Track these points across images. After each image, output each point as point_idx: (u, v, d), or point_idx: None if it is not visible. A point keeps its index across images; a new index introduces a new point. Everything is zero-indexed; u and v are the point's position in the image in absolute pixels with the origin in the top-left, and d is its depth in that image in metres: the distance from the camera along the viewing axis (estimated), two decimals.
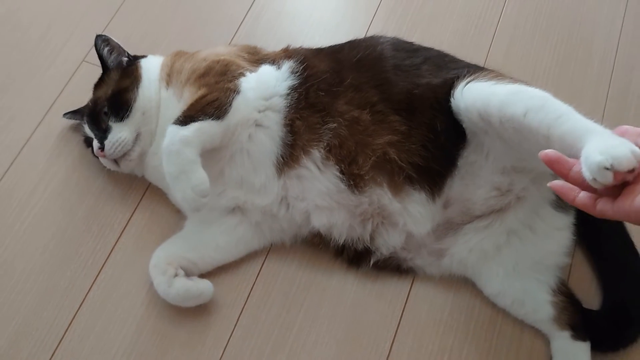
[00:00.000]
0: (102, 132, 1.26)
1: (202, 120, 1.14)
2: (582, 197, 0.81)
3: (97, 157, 1.30)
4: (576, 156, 0.84)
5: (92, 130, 1.29)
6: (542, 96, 1.04)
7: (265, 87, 1.23)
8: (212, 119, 1.15)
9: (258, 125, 1.21)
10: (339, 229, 1.22)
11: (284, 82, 1.23)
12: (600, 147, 0.79)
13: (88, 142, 1.33)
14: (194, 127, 1.13)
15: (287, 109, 1.21)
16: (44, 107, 1.48)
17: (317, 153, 1.19)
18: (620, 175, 0.76)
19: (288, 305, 1.26)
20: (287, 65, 1.25)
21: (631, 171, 0.77)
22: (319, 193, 1.20)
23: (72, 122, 1.44)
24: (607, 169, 0.76)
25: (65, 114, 1.41)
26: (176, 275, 1.20)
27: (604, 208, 0.78)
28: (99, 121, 1.28)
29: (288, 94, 1.22)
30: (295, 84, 1.22)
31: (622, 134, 0.83)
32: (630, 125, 0.84)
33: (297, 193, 1.21)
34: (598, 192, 0.80)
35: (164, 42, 1.56)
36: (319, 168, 1.19)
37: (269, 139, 1.21)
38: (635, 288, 1.21)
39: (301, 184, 1.20)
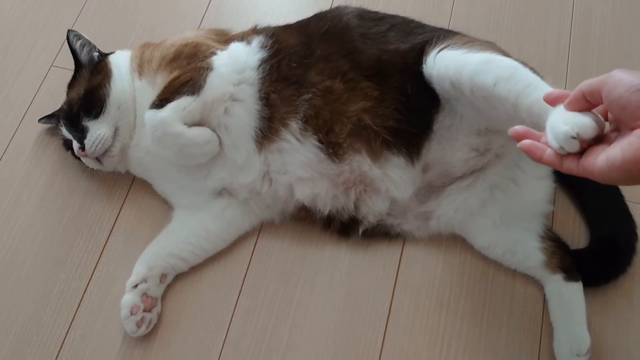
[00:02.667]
0: (81, 132, 1.26)
1: (178, 99, 1.16)
2: (549, 154, 0.83)
3: (79, 159, 1.30)
4: (543, 125, 0.87)
5: (70, 132, 1.29)
6: (512, 66, 1.06)
7: (237, 61, 1.24)
8: (187, 95, 1.16)
9: (234, 99, 1.22)
10: (323, 199, 1.24)
11: (255, 56, 1.24)
12: (565, 116, 0.81)
13: (67, 145, 1.33)
14: (170, 106, 1.15)
15: (261, 82, 1.22)
16: (17, 116, 1.47)
17: (294, 125, 1.20)
18: (586, 142, 0.79)
19: (285, 280, 1.28)
20: (257, 41, 1.27)
21: (595, 138, 0.80)
22: (300, 165, 1.21)
23: (47, 126, 1.44)
24: (574, 137, 0.79)
25: (40, 119, 1.41)
26: (137, 285, 1.21)
27: (570, 166, 0.81)
28: (76, 122, 1.27)
29: (260, 66, 1.23)
30: (266, 57, 1.24)
31: (554, 102, 0.86)
32: (563, 90, 0.87)
33: (278, 167, 1.23)
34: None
35: (131, 38, 1.57)
36: (298, 140, 1.20)
37: (245, 112, 1.22)
38: (620, 219, 1.25)
39: (282, 157, 1.22)
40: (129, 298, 1.20)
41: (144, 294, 1.21)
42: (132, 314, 1.19)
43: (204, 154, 1.20)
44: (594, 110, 0.82)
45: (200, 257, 1.29)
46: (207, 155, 1.21)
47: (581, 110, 0.81)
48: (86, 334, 1.24)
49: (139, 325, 1.19)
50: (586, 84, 0.80)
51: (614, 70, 0.77)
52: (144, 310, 1.20)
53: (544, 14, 1.58)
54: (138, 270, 1.22)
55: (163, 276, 1.24)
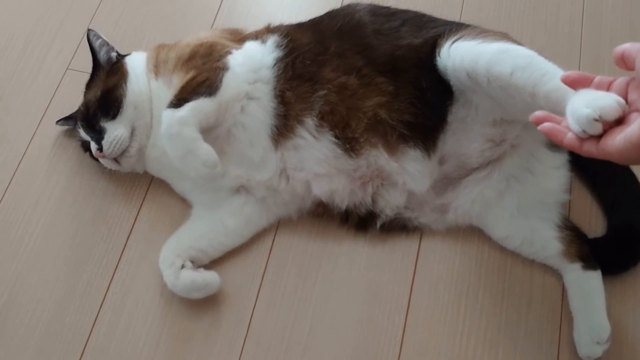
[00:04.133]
0: (98, 134, 1.28)
1: (195, 99, 1.16)
2: (569, 138, 0.84)
3: (97, 160, 1.32)
4: (561, 112, 0.87)
5: (87, 133, 1.31)
6: (528, 54, 1.06)
7: (252, 60, 1.25)
8: (205, 97, 1.17)
9: (249, 98, 1.23)
10: (340, 195, 1.25)
11: (270, 55, 1.26)
12: (585, 100, 0.82)
13: (85, 146, 1.34)
14: (188, 106, 1.16)
15: (276, 80, 1.23)
16: (35, 119, 1.49)
17: (310, 121, 1.21)
18: (608, 124, 0.80)
19: (304, 275, 1.28)
20: (272, 40, 1.28)
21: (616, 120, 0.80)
22: (316, 161, 1.22)
23: (65, 128, 1.45)
24: (596, 120, 0.79)
25: (58, 121, 1.42)
26: (183, 267, 1.22)
27: (590, 148, 0.82)
28: (93, 123, 1.29)
29: (275, 65, 1.24)
30: (281, 56, 1.25)
31: (573, 84, 0.86)
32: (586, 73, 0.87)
33: (295, 164, 1.24)
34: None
35: (145, 40, 1.58)
36: (314, 136, 1.21)
37: (261, 110, 1.23)
38: (637, 206, 1.25)
39: (298, 154, 1.23)
40: (188, 272, 1.22)
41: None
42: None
43: (196, 170, 1.16)
44: (612, 92, 0.82)
45: (219, 250, 1.30)
46: (197, 173, 1.16)
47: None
48: (110, 332, 1.25)
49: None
50: (627, 46, 0.80)
51: None
52: None
53: (556, 4, 1.58)
54: (172, 259, 1.23)
55: (191, 263, 1.25)
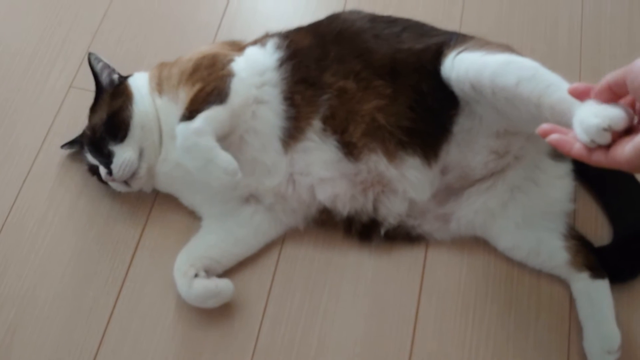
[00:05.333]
0: (106, 158, 1.27)
1: (207, 109, 1.16)
2: (578, 148, 0.84)
3: (105, 183, 1.31)
4: (567, 123, 0.88)
5: (95, 157, 1.30)
6: (532, 66, 1.06)
7: (255, 64, 1.26)
8: (216, 105, 1.17)
9: (259, 102, 1.24)
10: (342, 199, 1.25)
11: (272, 57, 1.26)
12: (593, 110, 0.82)
13: (93, 170, 1.33)
14: (201, 116, 1.15)
15: (283, 83, 1.24)
16: (39, 138, 1.49)
17: (318, 124, 1.22)
18: (617, 134, 0.80)
19: (311, 288, 1.28)
20: (271, 42, 1.29)
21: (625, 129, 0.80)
22: (323, 164, 1.23)
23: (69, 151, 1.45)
24: (605, 129, 0.79)
25: (63, 146, 1.42)
26: (196, 276, 1.23)
27: (599, 158, 0.82)
28: (101, 147, 1.28)
29: (280, 66, 1.25)
30: (284, 57, 1.26)
31: (580, 96, 0.86)
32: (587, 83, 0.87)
33: (302, 167, 1.24)
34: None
35: (146, 59, 1.58)
36: (320, 139, 1.22)
37: (272, 113, 1.24)
38: None
39: (307, 157, 1.23)
40: (200, 281, 1.22)
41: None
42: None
43: (218, 179, 1.15)
44: (621, 103, 0.82)
45: (232, 260, 1.30)
46: (219, 182, 1.15)
47: (608, 101, 0.82)
48: (117, 349, 1.25)
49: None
50: (611, 75, 0.81)
51: (637, 59, 0.77)
52: None
53: (554, 16, 1.59)
54: (185, 269, 1.23)
55: (205, 272, 1.25)
